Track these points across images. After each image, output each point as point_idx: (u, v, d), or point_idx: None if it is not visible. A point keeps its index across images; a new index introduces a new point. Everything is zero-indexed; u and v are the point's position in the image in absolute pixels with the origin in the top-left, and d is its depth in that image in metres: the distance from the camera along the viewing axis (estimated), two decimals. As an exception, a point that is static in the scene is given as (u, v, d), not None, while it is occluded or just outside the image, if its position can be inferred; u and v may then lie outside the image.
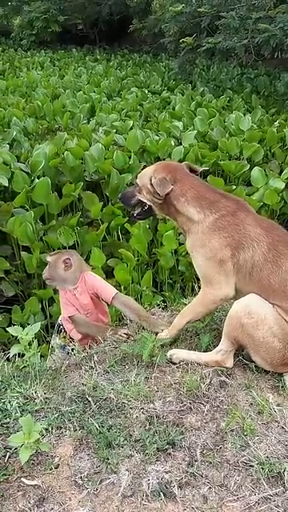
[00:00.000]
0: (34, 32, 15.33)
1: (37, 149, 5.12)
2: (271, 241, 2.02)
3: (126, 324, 2.72)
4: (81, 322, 2.62)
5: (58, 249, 4.18)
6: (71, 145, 5.33)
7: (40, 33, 15.30)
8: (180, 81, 10.31)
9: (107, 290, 2.65)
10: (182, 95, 8.64)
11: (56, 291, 3.83)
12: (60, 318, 2.89)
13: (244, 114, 6.73)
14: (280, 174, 5.13)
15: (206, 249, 2.07)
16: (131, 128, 6.13)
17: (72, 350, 2.64)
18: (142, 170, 2.42)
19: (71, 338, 2.76)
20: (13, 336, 3.51)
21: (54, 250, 4.15)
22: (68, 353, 2.68)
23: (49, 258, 2.71)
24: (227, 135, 6.02)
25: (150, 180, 2.19)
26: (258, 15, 8.06)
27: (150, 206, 2.29)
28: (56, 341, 2.83)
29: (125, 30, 14.78)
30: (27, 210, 4.25)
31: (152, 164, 5.03)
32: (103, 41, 16.91)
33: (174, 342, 2.30)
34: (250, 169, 5.07)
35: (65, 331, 2.80)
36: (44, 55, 14.48)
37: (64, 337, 2.80)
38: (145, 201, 2.28)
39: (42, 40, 15.82)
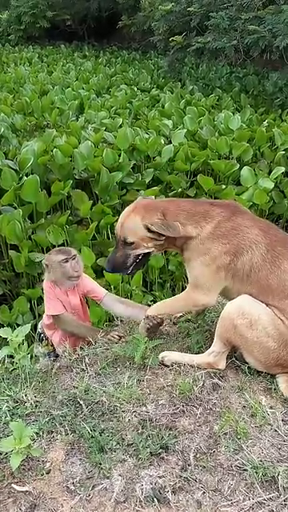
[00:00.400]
0: (21, 27, 15.16)
1: (25, 146, 5.07)
2: (269, 241, 2.01)
3: (117, 325, 2.70)
4: (69, 321, 2.55)
5: (47, 248, 4.14)
6: (60, 142, 5.28)
7: (28, 28, 15.13)
8: (169, 79, 10.31)
9: (99, 288, 2.69)
10: (172, 93, 8.63)
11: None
12: (40, 326, 2.81)
13: (233, 113, 6.76)
14: (269, 173, 5.16)
15: (205, 257, 2.04)
16: (121, 126, 6.10)
17: (56, 356, 2.62)
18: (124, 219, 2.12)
19: (54, 345, 2.71)
20: (1, 337, 3.49)
21: (42, 249, 4.12)
22: (53, 360, 2.63)
23: (75, 252, 2.60)
24: (217, 134, 6.04)
25: (148, 229, 2.05)
26: (247, 16, 8.08)
27: (147, 253, 2.16)
28: (39, 349, 2.77)
29: (114, 26, 14.70)
30: (15, 208, 4.20)
31: (142, 162, 4.95)
32: (92, 37, 16.81)
33: (165, 344, 2.28)
34: (240, 168, 5.09)
35: (46, 339, 2.75)
36: (32, 51, 14.34)
37: (46, 344, 2.75)
38: (146, 251, 2.13)
39: (30, 35, 15.65)
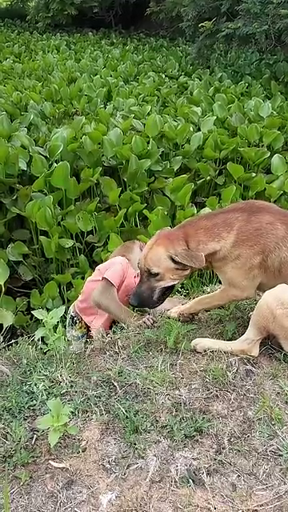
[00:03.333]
0: (49, 15, 15.14)
1: (55, 133, 5.09)
2: None
3: (148, 312, 2.71)
4: (113, 296, 2.49)
5: (76, 234, 4.17)
6: (89, 129, 5.29)
7: (56, 15, 15.10)
8: (197, 66, 10.16)
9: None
10: (200, 80, 8.51)
11: (74, 276, 3.84)
12: (72, 310, 2.83)
13: (263, 101, 6.62)
14: (301, 161, 5.04)
15: (236, 262, 2.06)
16: (149, 113, 6.06)
17: (90, 338, 2.63)
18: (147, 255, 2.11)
19: (87, 326, 2.73)
20: (31, 319, 3.56)
21: (71, 235, 4.16)
22: (86, 342, 2.66)
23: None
24: (246, 122, 5.93)
25: (172, 260, 2.05)
26: (279, 0, 7.87)
27: (171, 285, 2.15)
28: (72, 333, 2.79)
29: (141, 13, 14.55)
30: (46, 195, 4.24)
31: (171, 149, 4.89)
32: (119, 24, 16.68)
33: (198, 330, 2.29)
34: (270, 156, 4.99)
35: (80, 321, 2.76)
36: (60, 38, 14.33)
37: (80, 327, 2.77)
38: (172, 283, 2.12)
39: (57, 23, 15.63)
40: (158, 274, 2.08)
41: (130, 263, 2.64)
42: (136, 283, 2.55)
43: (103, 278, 2.50)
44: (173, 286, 2.18)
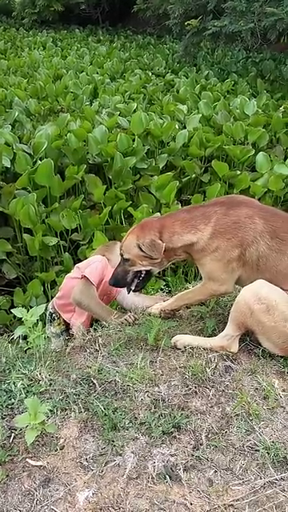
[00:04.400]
0: (35, 11, 15.04)
1: (39, 130, 5.05)
2: (271, 229, 2.03)
3: (130, 310, 2.71)
4: (93, 295, 2.50)
5: (61, 232, 4.16)
6: (74, 126, 5.26)
7: (42, 12, 15.00)
8: (184, 63, 10.17)
9: None
10: (187, 78, 8.52)
11: (58, 274, 3.83)
12: (50, 306, 2.82)
13: (249, 99, 6.64)
14: (285, 159, 5.09)
15: (214, 254, 2.08)
16: (135, 110, 6.05)
17: (70, 336, 2.63)
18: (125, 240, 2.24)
19: (66, 323, 2.72)
20: (15, 318, 3.53)
21: (56, 233, 4.14)
22: (66, 339, 2.66)
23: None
24: (232, 119, 5.95)
25: (140, 248, 2.14)
26: (265, -2, 7.90)
27: (147, 271, 2.24)
28: (51, 330, 2.79)
29: (128, 10, 14.51)
30: (29, 192, 4.21)
31: (156, 147, 4.94)
32: (106, 21, 16.61)
33: (179, 327, 2.29)
34: (255, 154, 5.02)
35: (58, 318, 2.76)
36: (46, 35, 14.22)
37: (58, 324, 2.77)
38: (143, 269, 2.22)
39: (43, 19, 15.52)
40: (128, 260, 2.21)
41: (109, 263, 2.64)
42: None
43: (83, 276, 2.49)
44: (148, 272, 2.25)
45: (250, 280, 2.03)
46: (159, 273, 4.15)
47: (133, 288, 2.29)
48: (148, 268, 2.22)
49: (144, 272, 2.24)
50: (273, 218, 2.06)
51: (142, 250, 2.14)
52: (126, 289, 2.34)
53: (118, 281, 2.27)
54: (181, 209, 2.32)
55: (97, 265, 2.55)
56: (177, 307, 2.34)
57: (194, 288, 2.30)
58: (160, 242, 2.10)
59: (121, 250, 2.25)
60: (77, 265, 2.74)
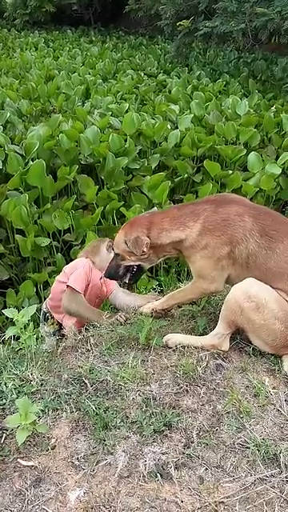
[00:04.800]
0: (27, 12, 15.02)
1: (31, 131, 5.04)
2: (261, 227, 2.04)
3: (121, 310, 2.71)
4: (81, 302, 2.53)
5: (53, 233, 4.16)
6: (66, 127, 5.26)
7: (34, 12, 14.98)
8: (176, 64, 10.19)
9: (113, 282, 2.74)
10: (179, 78, 8.55)
11: (51, 275, 3.82)
12: (44, 306, 2.84)
13: (241, 99, 6.67)
14: (276, 159, 5.11)
15: (204, 251, 2.09)
16: (127, 111, 6.05)
17: (62, 335, 2.64)
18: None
19: (59, 322, 2.74)
20: (7, 319, 3.53)
21: (48, 234, 4.14)
22: (59, 339, 2.66)
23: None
24: (224, 119, 5.97)
25: (126, 244, 2.20)
26: (255, -2, 7.93)
27: (138, 266, 2.28)
28: (45, 329, 2.80)
29: (120, 11, 14.51)
30: (21, 193, 4.20)
31: (148, 147, 4.98)
32: (98, 22, 16.62)
33: (170, 326, 2.30)
34: (247, 154, 5.04)
35: (52, 318, 2.77)
36: (38, 36, 14.21)
37: (52, 323, 2.78)
38: (132, 263, 2.26)
39: (35, 20, 15.50)
40: (119, 255, 2.28)
41: (95, 265, 2.67)
42: (102, 284, 2.67)
43: (68, 286, 2.53)
44: (139, 267, 2.29)
45: (240, 278, 2.04)
46: (152, 272, 4.18)
47: (126, 281, 2.33)
48: (137, 263, 2.25)
49: (135, 267, 2.28)
50: (262, 216, 2.08)
51: (129, 247, 2.19)
52: (117, 285, 2.37)
53: (112, 274, 2.33)
54: (172, 206, 2.35)
55: (80, 271, 2.58)
56: (168, 306, 2.34)
57: (185, 287, 2.31)
58: (145, 238, 2.14)
59: (113, 245, 2.34)
60: (64, 267, 2.77)
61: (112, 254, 2.62)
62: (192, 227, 2.09)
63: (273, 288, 1.99)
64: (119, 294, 2.75)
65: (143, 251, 2.15)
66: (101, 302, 2.79)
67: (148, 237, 2.14)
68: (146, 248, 2.14)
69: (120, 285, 2.70)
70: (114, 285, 2.79)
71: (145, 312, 2.35)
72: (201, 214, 2.09)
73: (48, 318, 2.76)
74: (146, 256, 2.20)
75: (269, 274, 1.99)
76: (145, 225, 2.18)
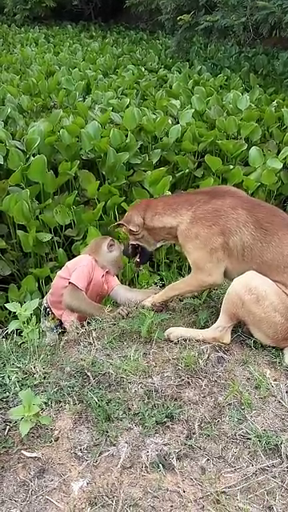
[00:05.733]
0: (27, 7, 14.90)
1: (32, 126, 5.03)
2: (255, 219, 2.05)
3: (124, 304, 2.72)
4: (82, 298, 2.54)
5: (55, 228, 4.17)
6: (67, 122, 5.25)
7: (34, 8, 14.88)
8: (177, 59, 10.14)
9: (115, 278, 2.84)
10: (179, 73, 8.51)
11: (53, 270, 3.84)
12: (45, 301, 2.85)
13: (242, 93, 6.65)
14: (278, 153, 5.09)
15: (196, 241, 2.12)
16: (128, 106, 6.04)
17: (63, 330, 2.66)
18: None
19: (59, 319, 2.75)
20: (9, 314, 3.55)
21: (50, 229, 4.15)
22: (60, 333, 2.68)
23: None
24: (225, 114, 5.96)
25: (129, 226, 2.36)
26: (256, -9, 7.90)
27: (141, 247, 2.42)
28: (45, 324, 2.82)
29: (121, 6, 14.43)
30: (23, 189, 4.20)
31: (149, 142, 4.98)
32: (99, 17, 16.53)
33: (172, 320, 2.32)
34: (248, 148, 5.03)
35: (52, 313, 2.79)
36: (38, 31, 14.14)
37: (53, 318, 2.79)
38: (134, 243, 2.44)
39: (36, 16, 15.41)
40: (126, 234, 2.48)
41: (97, 263, 2.70)
42: (104, 282, 2.70)
43: (70, 283, 2.54)
44: (142, 251, 2.45)
45: (237, 271, 2.05)
46: (153, 267, 4.19)
47: (137, 260, 2.51)
48: (135, 243, 2.41)
49: (138, 247, 2.44)
50: (256, 208, 2.08)
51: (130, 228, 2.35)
52: (118, 282, 2.44)
53: (124, 251, 2.60)
54: (173, 194, 2.46)
55: (83, 269, 2.60)
56: (167, 298, 2.36)
57: (184, 278, 2.35)
58: (138, 218, 2.30)
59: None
60: (67, 263, 2.78)
61: (114, 253, 2.79)
62: (184, 215, 2.15)
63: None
64: (121, 291, 2.77)
65: (135, 231, 2.31)
66: (101, 299, 2.81)
67: (143, 218, 2.28)
68: (139, 228, 2.30)
69: (134, 264, 2.88)
70: (114, 281, 2.82)
71: (146, 306, 2.37)
72: (194, 204, 2.14)
73: (48, 313, 2.78)
74: (140, 236, 2.35)
75: (264, 267, 2.00)
76: (142, 207, 2.33)
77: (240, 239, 2.04)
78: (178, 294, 2.38)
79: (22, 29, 14.70)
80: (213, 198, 2.13)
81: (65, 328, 2.61)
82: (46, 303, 2.80)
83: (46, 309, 2.80)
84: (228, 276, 2.14)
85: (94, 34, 14.34)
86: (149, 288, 2.98)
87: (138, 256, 2.50)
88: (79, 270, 2.59)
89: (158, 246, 2.42)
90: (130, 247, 2.49)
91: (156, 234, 2.32)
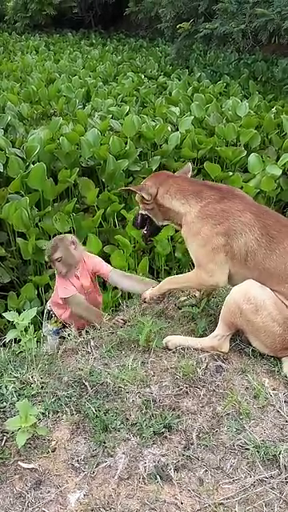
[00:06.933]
0: (28, 15, 15.08)
1: (32, 134, 5.06)
2: (262, 225, 2.03)
3: (123, 310, 2.72)
4: (79, 302, 2.57)
5: (54, 235, 4.17)
6: (67, 130, 5.28)
7: (34, 16, 15.04)
8: (177, 66, 10.21)
9: (105, 266, 2.75)
10: (179, 80, 8.56)
11: (52, 277, 3.83)
12: (49, 304, 2.86)
13: (241, 100, 6.68)
14: (277, 160, 5.10)
15: (198, 237, 2.10)
16: (127, 113, 6.07)
17: (68, 335, 2.64)
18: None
19: (63, 321, 2.75)
20: (8, 322, 3.54)
21: (49, 237, 4.15)
22: (63, 337, 2.67)
23: (53, 242, 2.67)
24: (224, 121, 5.98)
25: (141, 193, 2.31)
26: (255, -1, 7.95)
27: (149, 218, 2.38)
28: (48, 327, 2.81)
29: (121, 13, 14.57)
30: (22, 196, 4.21)
31: (149, 149, 4.99)
32: (99, 25, 16.68)
33: (170, 328, 2.31)
34: (247, 155, 5.04)
35: (55, 316, 2.79)
36: (39, 39, 14.27)
37: (56, 321, 2.79)
38: (143, 212, 2.39)
39: (36, 23, 15.57)
40: (138, 202, 2.42)
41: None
42: (78, 279, 2.68)
43: (63, 301, 2.63)
44: (150, 222, 2.41)
45: (238, 276, 2.04)
46: (153, 274, 4.19)
47: (145, 232, 2.47)
48: (145, 212, 2.37)
49: (147, 218, 2.40)
50: (264, 215, 2.08)
51: (142, 196, 2.30)
52: (111, 268, 2.67)
53: (134, 222, 2.55)
54: (188, 178, 2.40)
55: (60, 284, 2.65)
56: (165, 291, 2.34)
57: (185, 274, 2.34)
58: (152, 189, 2.26)
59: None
60: None
61: (80, 248, 2.70)
62: (192, 206, 2.14)
63: (272, 290, 1.99)
64: (119, 279, 2.72)
65: (147, 200, 2.28)
66: (93, 293, 2.76)
67: (156, 190, 2.26)
68: (151, 198, 2.27)
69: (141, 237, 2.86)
70: (106, 268, 2.74)
71: (147, 299, 2.36)
72: (205, 198, 2.12)
73: (52, 316, 2.78)
74: (150, 207, 2.32)
75: (266, 275, 1.99)
76: (160, 180, 2.29)
77: (244, 243, 2.02)
78: (176, 288, 2.38)
79: (23, 36, 14.84)
80: (224, 197, 2.11)
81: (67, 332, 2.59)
82: (49, 306, 2.81)
83: (49, 312, 2.81)
84: (230, 282, 2.12)
85: (94, 41, 14.46)
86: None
87: (145, 228, 2.45)
88: (57, 283, 2.67)
89: (165, 224, 2.40)
90: (139, 216, 2.43)
91: (163, 212, 2.29)
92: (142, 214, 2.41)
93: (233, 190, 2.28)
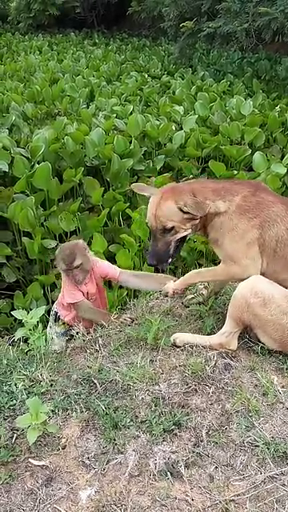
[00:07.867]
0: (31, 15, 15.11)
1: (36, 134, 5.08)
2: None
3: (129, 309, 2.72)
4: (86, 308, 2.57)
5: (60, 235, 4.18)
6: (71, 130, 5.29)
7: (37, 16, 15.07)
8: (180, 65, 10.22)
9: (113, 270, 2.70)
10: (183, 79, 8.57)
11: (58, 276, 3.84)
12: (55, 306, 2.84)
13: (245, 99, 6.68)
14: (281, 158, 5.10)
15: (233, 232, 2.08)
16: (131, 113, 6.08)
17: (77, 333, 2.64)
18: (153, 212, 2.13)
19: (68, 323, 2.75)
20: (15, 321, 3.55)
21: (55, 236, 4.16)
22: (72, 337, 2.67)
23: (69, 250, 2.55)
24: (228, 120, 5.98)
25: (182, 211, 2.07)
26: (259, -2, 7.95)
27: (184, 236, 2.18)
28: (55, 329, 2.81)
29: (123, 13, 14.58)
30: (28, 196, 4.23)
31: (153, 148, 4.95)
32: (102, 24, 16.69)
33: (178, 326, 2.31)
34: (252, 154, 5.04)
35: (62, 318, 2.78)
36: (42, 39, 14.30)
37: (63, 323, 2.79)
38: (185, 233, 2.15)
39: (39, 23, 15.60)
40: (173, 228, 2.11)
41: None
42: (85, 285, 2.59)
43: (68, 304, 2.60)
44: (185, 237, 2.21)
45: (267, 269, 2.06)
46: (158, 273, 4.18)
47: (169, 261, 2.19)
48: (189, 231, 2.15)
49: (181, 238, 2.18)
50: None
51: (184, 212, 2.07)
52: (116, 269, 2.53)
53: (161, 256, 2.16)
54: (204, 179, 2.31)
55: (65, 286, 2.61)
56: (191, 283, 2.35)
57: (214, 267, 2.26)
58: (204, 203, 2.07)
59: (156, 223, 2.11)
60: None
61: (90, 254, 2.59)
62: (232, 201, 2.08)
63: None
64: (129, 278, 2.68)
65: (202, 214, 2.05)
66: (99, 299, 2.76)
67: (204, 201, 2.08)
68: (203, 211, 2.04)
69: (158, 270, 2.61)
70: (114, 270, 2.69)
71: (170, 294, 2.31)
72: (239, 192, 2.10)
73: (59, 318, 2.78)
74: (198, 220, 2.11)
75: None
76: (189, 191, 2.10)
77: (276, 234, 2.03)
78: (202, 281, 2.37)
79: (26, 37, 14.87)
80: (257, 189, 2.12)
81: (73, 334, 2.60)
82: (56, 308, 2.81)
83: (56, 314, 2.80)
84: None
85: (97, 41, 14.47)
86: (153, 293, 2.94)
87: (174, 252, 2.19)
88: (63, 288, 2.63)
89: (195, 232, 2.24)
90: (172, 244, 2.15)
91: (203, 220, 2.13)
92: (176, 239, 2.16)
93: (259, 182, 2.29)
